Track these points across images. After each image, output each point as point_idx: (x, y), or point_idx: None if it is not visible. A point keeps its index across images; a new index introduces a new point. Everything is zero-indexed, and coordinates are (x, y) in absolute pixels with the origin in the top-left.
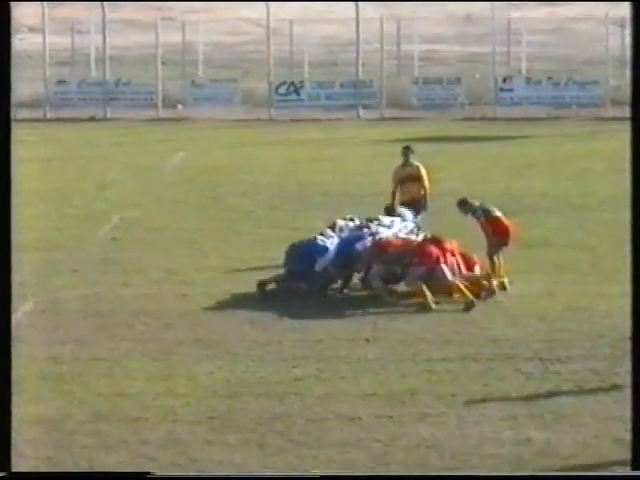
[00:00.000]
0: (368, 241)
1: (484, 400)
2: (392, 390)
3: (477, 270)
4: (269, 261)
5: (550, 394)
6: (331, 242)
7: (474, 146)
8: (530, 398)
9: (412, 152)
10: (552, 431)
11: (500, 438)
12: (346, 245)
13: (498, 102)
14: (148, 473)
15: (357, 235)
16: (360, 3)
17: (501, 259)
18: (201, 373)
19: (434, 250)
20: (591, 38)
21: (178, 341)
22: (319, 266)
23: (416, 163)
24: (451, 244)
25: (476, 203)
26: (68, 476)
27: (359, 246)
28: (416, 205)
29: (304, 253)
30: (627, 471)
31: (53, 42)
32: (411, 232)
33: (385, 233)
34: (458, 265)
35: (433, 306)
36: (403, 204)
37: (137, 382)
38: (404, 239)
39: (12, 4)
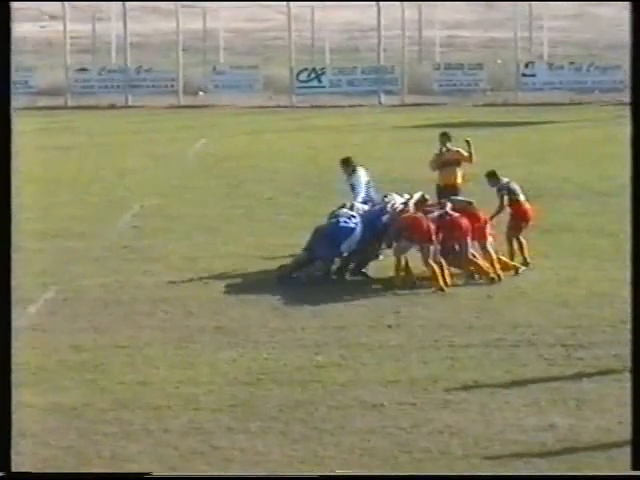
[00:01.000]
0: (392, 213)
1: (507, 386)
2: (414, 377)
3: (490, 241)
4: (290, 248)
5: (573, 380)
6: (355, 222)
7: (496, 131)
8: (553, 384)
9: (449, 139)
10: (575, 417)
11: (523, 424)
12: (371, 220)
13: (520, 87)
14: (147, 473)
15: (380, 208)
16: None
17: (523, 242)
18: (223, 361)
19: (462, 223)
20: (613, 23)
21: (199, 329)
22: (345, 247)
23: (455, 148)
24: (482, 217)
25: (504, 180)
26: (68, 476)
27: (385, 219)
28: (454, 190)
29: (328, 236)
30: (628, 470)
31: (74, 30)
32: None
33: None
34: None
35: (445, 289)
36: (440, 190)
37: (159, 370)
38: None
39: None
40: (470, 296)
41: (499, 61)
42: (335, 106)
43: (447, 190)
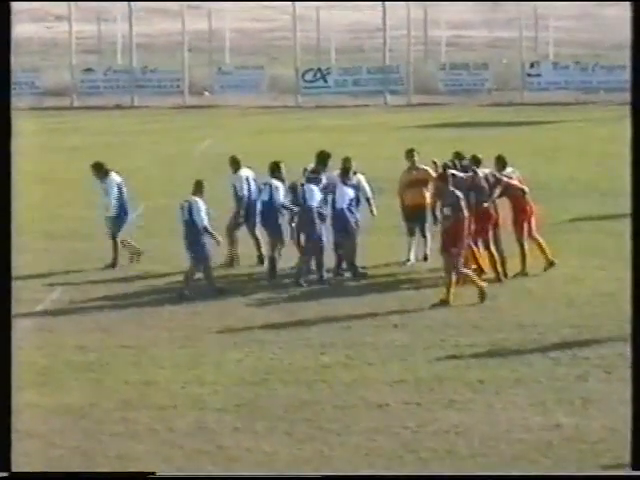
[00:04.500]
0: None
1: (513, 386)
2: (420, 376)
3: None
4: (295, 248)
5: (579, 379)
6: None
7: (501, 131)
8: (559, 384)
9: (417, 155)
10: (581, 416)
11: (529, 424)
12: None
13: (526, 87)
14: (149, 473)
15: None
16: None
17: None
18: (229, 361)
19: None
20: (618, 22)
21: (205, 329)
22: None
23: (423, 167)
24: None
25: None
26: (68, 476)
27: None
28: (421, 211)
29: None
30: (628, 471)
31: (79, 30)
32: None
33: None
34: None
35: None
36: (406, 210)
37: (165, 370)
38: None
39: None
40: (475, 296)
41: (504, 61)
42: (341, 106)
43: (414, 211)
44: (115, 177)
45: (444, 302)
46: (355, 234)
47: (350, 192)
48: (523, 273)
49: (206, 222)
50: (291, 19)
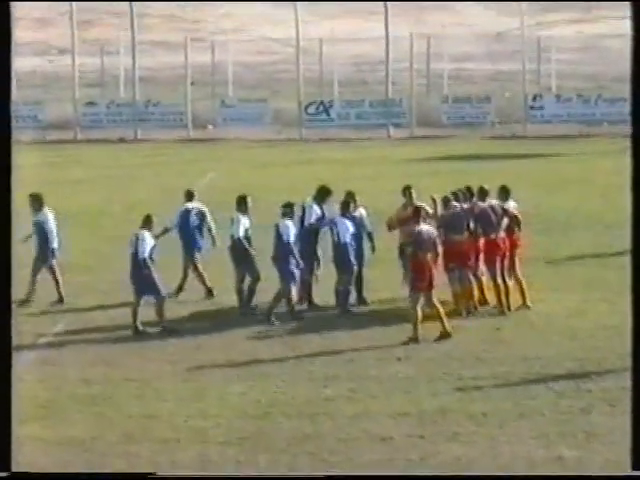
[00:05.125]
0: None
1: (516, 419)
2: (423, 409)
3: None
4: None
5: (582, 412)
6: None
7: (504, 164)
8: (562, 416)
9: (414, 192)
10: (584, 450)
11: (532, 457)
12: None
13: (528, 120)
14: (149, 473)
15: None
16: (389, 21)
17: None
18: (232, 394)
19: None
20: (620, 55)
21: (208, 362)
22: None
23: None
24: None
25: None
26: (68, 476)
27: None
28: None
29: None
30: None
31: (82, 63)
32: None
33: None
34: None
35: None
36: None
37: (168, 403)
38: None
39: (12, 4)
40: (479, 328)
41: (507, 94)
42: (344, 139)
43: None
44: (48, 213)
45: (445, 335)
46: (354, 268)
47: (350, 226)
48: (525, 306)
49: (146, 254)
50: (294, 52)
